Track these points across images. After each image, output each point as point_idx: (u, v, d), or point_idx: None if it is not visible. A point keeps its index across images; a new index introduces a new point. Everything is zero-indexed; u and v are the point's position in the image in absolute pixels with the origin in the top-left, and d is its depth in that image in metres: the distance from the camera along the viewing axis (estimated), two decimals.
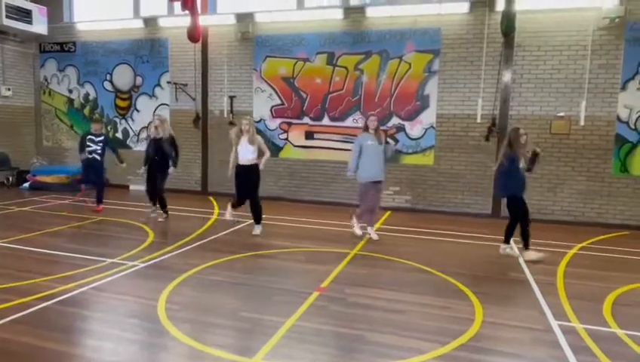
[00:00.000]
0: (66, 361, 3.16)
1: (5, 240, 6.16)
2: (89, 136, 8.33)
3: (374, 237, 6.72)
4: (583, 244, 6.84)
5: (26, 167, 11.44)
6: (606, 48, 8.00)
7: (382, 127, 9.07)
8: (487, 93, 8.65)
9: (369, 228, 6.87)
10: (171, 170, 7.75)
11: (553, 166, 8.40)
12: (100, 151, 8.28)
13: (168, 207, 7.92)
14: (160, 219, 7.71)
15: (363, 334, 3.64)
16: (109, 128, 11.51)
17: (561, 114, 8.28)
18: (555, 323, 3.93)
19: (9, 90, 11.39)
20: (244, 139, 6.74)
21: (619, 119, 8.05)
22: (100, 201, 8.43)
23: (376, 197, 6.75)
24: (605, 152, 8.15)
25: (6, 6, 10.14)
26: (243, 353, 3.27)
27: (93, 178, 8.50)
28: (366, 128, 6.67)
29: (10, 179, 11.21)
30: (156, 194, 7.81)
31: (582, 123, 8.19)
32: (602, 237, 7.38)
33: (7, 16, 10.20)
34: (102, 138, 8.38)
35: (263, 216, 7.06)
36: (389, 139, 6.68)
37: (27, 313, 3.83)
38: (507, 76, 8.47)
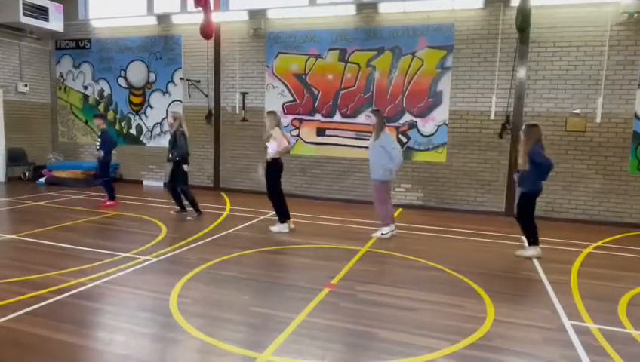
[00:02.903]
0: (79, 353, 3.20)
1: (21, 233, 6.28)
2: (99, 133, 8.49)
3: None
4: (598, 244, 6.73)
5: (42, 163, 11.65)
6: (624, 44, 7.84)
7: (392, 124, 9.15)
8: (501, 89, 8.55)
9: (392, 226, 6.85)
10: (169, 158, 7.64)
11: (568, 164, 8.28)
12: (98, 147, 8.27)
13: (198, 205, 7.78)
14: (189, 218, 7.62)
15: (373, 331, 3.63)
16: (122, 124, 11.64)
17: (577, 111, 8.15)
18: (568, 323, 3.88)
19: (26, 86, 11.59)
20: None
21: (636, 116, 7.89)
22: (109, 198, 8.48)
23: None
24: (622, 150, 8.00)
25: (23, 3, 10.29)
26: (253, 348, 3.28)
27: (97, 175, 8.60)
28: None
29: (27, 174, 11.41)
30: (175, 192, 7.84)
31: (598, 120, 8.05)
32: (618, 236, 7.26)
33: (24, 14, 10.35)
34: (99, 133, 8.40)
35: (274, 212, 7.07)
36: (385, 146, 6.53)
37: (41, 305, 3.90)
38: (522, 72, 8.36)
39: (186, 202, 7.89)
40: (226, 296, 4.32)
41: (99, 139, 8.32)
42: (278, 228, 6.84)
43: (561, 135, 8.25)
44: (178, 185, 7.74)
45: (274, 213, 7.00)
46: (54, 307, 3.91)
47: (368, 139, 8.16)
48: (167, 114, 11.06)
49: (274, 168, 6.71)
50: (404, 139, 9.26)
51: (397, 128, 9.26)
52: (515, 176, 5.96)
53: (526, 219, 5.85)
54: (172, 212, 7.97)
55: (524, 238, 6.25)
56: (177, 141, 7.57)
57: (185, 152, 7.59)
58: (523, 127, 5.87)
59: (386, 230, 6.69)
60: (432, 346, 3.39)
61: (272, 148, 6.57)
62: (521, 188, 5.86)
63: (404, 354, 3.26)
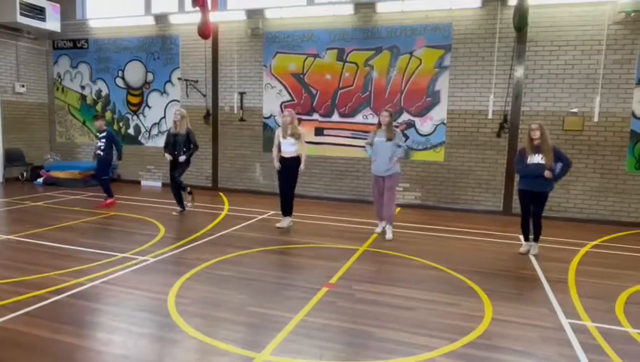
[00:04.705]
0: (77, 354, 3.20)
1: (19, 234, 6.26)
2: (98, 134, 8.45)
3: (386, 236, 6.65)
4: (596, 242, 6.75)
5: (39, 163, 11.63)
6: (621, 43, 7.86)
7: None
8: (499, 88, 8.57)
9: (380, 224, 6.89)
10: (182, 158, 7.65)
11: None
12: (102, 147, 8.22)
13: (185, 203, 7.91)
14: (174, 213, 7.68)
15: (371, 330, 3.63)
16: (120, 125, 11.62)
17: (575, 110, 8.17)
18: (565, 322, 3.89)
19: (23, 86, 11.56)
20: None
21: (634, 115, 7.92)
22: (108, 196, 8.49)
23: (380, 193, 6.73)
24: (620, 149, 8.03)
25: (20, 3, 10.27)
26: (251, 347, 3.29)
27: (96, 174, 8.63)
28: (380, 124, 6.70)
29: (25, 174, 11.40)
30: (177, 189, 7.88)
31: (595, 119, 8.07)
32: (615, 235, 7.28)
33: (21, 14, 10.34)
34: (104, 134, 8.31)
35: (272, 212, 7.08)
36: (400, 143, 6.64)
37: (39, 306, 3.89)
38: (519, 72, 8.37)
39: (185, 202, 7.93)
40: (224, 295, 4.31)
41: (102, 141, 8.23)
42: (286, 222, 7.00)
43: (559, 134, 8.26)
44: (179, 175, 7.75)
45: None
46: (52, 307, 3.90)
47: (367, 139, 8.11)
48: (165, 114, 11.09)
49: (298, 164, 6.93)
50: (402, 145, 9.22)
51: (395, 127, 9.25)
52: (550, 172, 5.60)
53: (541, 218, 5.87)
54: (174, 213, 7.95)
55: (521, 237, 6.27)
56: (191, 139, 7.72)
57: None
58: (537, 125, 5.69)
59: (387, 228, 6.70)
60: (430, 345, 3.39)
61: (296, 146, 6.83)
62: (542, 188, 5.70)
63: (403, 353, 3.27)
